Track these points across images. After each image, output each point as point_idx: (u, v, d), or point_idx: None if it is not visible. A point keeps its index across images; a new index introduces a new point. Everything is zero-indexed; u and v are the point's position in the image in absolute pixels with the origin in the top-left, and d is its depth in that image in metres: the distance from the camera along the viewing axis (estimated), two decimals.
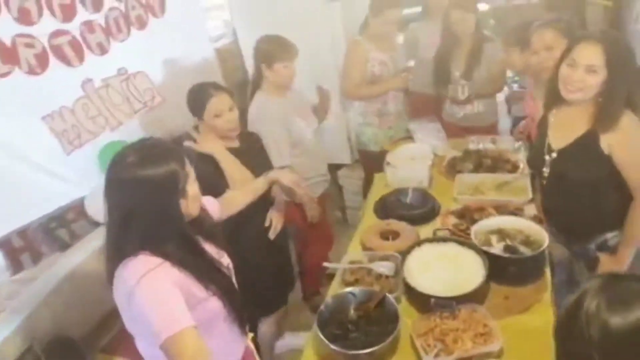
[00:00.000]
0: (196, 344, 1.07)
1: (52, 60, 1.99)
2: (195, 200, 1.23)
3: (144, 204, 1.13)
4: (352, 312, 1.49)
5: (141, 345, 1.22)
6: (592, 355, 0.69)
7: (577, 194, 1.67)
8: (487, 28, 3.13)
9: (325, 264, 1.76)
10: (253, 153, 1.99)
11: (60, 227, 2.06)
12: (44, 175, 1.97)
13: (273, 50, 2.23)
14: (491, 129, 2.78)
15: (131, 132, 2.31)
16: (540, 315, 1.46)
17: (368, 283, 1.60)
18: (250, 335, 1.45)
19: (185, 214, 1.20)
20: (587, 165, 1.61)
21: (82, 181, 2.08)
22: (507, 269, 1.53)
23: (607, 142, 1.54)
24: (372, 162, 2.71)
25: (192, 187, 1.21)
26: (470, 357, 1.28)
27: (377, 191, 2.29)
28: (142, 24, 2.43)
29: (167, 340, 1.04)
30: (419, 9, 3.18)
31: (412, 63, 3.00)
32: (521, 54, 2.20)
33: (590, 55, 1.49)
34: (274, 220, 2.00)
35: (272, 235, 1.99)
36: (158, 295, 1.08)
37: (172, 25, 2.59)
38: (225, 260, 1.36)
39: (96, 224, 2.13)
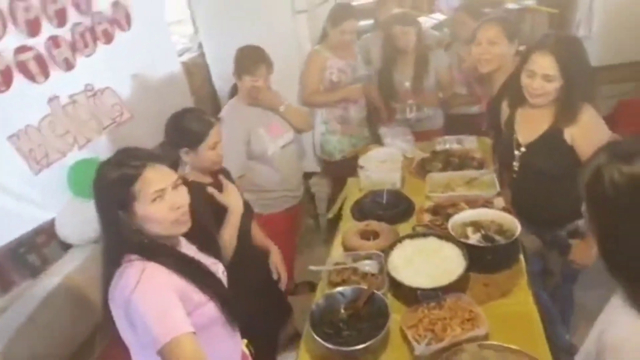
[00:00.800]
0: (195, 349, 1.07)
1: (17, 76, 1.93)
2: (149, 221, 1.16)
3: (102, 208, 1.16)
4: (342, 311, 1.53)
5: (140, 357, 1.20)
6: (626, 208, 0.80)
7: (547, 184, 1.79)
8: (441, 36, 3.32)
9: (311, 267, 1.78)
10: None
11: (30, 252, 1.96)
12: (11, 198, 1.88)
13: (242, 62, 2.26)
14: (440, 131, 2.92)
15: (100, 149, 2.26)
16: (518, 298, 1.55)
17: (354, 282, 1.64)
18: (244, 341, 1.44)
19: (139, 228, 1.17)
20: (553, 157, 1.73)
21: (51, 202, 2.00)
22: (485, 258, 1.62)
23: (570, 133, 1.68)
24: (337, 171, 2.80)
25: (147, 207, 1.14)
26: (460, 342, 1.34)
27: (352, 195, 2.35)
28: (108, 38, 2.40)
29: (166, 345, 1.04)
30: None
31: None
32: None
33: (545, 65, 1.62)
34: (280, 271, 1.98)
35: (283, 286, 1.98)
36: (156, 301, 1.08)
37: (138, 38, 2.56)
38: (220, 267, 1.36)
39: (68, 246, 2.06)
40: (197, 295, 1.18)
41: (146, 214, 1.14)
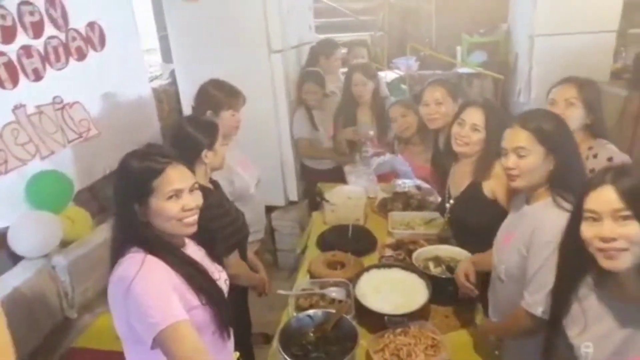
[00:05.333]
0: (195, 336, 1.07)
1: None
2: (160, 217, 1.18)
3: (119, 196, 1.18)
4: (311, 334, 1.53)
5: (132, 353, 1.18)
6: None
7: (470, 238, 1.87)
8: (399, 91, 3.59)
9: (280, 291, 1.78)
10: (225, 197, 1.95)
11: None
12: None
13: (222, 97, 2.16)
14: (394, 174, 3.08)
15: (63, 162, 2.21)
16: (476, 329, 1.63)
17: (322, 307, 1.66)
18: (236, 354, 1.41)
19: (150, 222, 1.19)
20: (474, 210, 1.83)
21: (5, 211, 1.91)
22: (447, 288, 1.70)
23: (488, 188, 1.80)
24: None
25: (162, 202, 1.16)
26: None
27: (317, 228, 2.41)
28: (81, 56, 2.40)
29: (165, 330, 1.04)
30: None
31: None
32: None
33: (475, 116, 1.80)
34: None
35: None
36: (156, 289, 1.09)
37: (111, 60, 2.58)
38: (223, 276, 1.37)
39: (18, 259, 1.93)
40: (192, 298, 1.18)
41: (159, 210, 1.16)
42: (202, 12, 2.83)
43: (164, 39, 3.39)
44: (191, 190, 1.21)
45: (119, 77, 2.64)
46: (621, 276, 1.05)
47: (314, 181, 3.05)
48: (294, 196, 3.26)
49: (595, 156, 1.77)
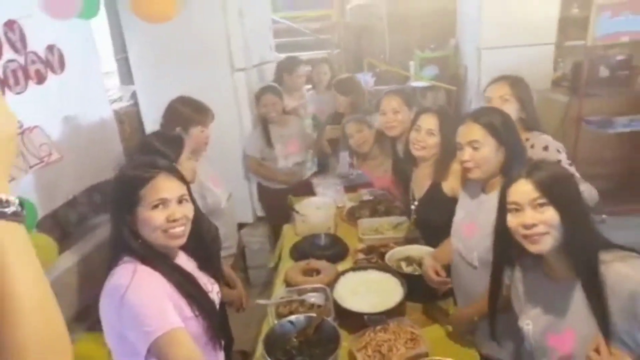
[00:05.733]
0: (190, 343, 1.07)
1: None
2: (146, 227, 1.18)
3: (113, 205, 1.20)
4: (293, 339, 1.56)
5: None
6: None
7: (438, 233, 1.91)
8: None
9: (259, 301, 1.79)
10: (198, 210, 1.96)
11: None
12: None
13: (190, 113, 2.20)
14: (368, 184, 3.18)
15: (24, 188, 2.13)
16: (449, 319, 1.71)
17: (302, 313, 1.69)
18: None
19: (140, 232, 1.20)
20: (437, 209, 1.94)
21: None
22: (421, 286, 1.78)
23: (448, 187, 1.93)
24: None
25: (147, 212, 1.17)
26: None
27: (288, 240, 2.44)
28: (40, 79, 2.35)
29: (161, 338, 1.03)
30: None
31: None
32: None
33: (430, 121, 1.94)
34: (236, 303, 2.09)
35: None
36: (150, 297, 1.09)
37: (71, 82, 2.54)
38: (215, 288, 1.38)
39: None
40: (185, 308, 1.18)
41: (145, 220, 1.17)
42: (163, 32, 2.83)
43: (122, 61, 3.37)
44: (180, 201, 1.22)
45: (80, 100, 2.60)
46: (546, 258, 1.19)
47: (270, 200, 3.11)
48: (261, 211, 3.28)
49: (532, 147, 1.93)
